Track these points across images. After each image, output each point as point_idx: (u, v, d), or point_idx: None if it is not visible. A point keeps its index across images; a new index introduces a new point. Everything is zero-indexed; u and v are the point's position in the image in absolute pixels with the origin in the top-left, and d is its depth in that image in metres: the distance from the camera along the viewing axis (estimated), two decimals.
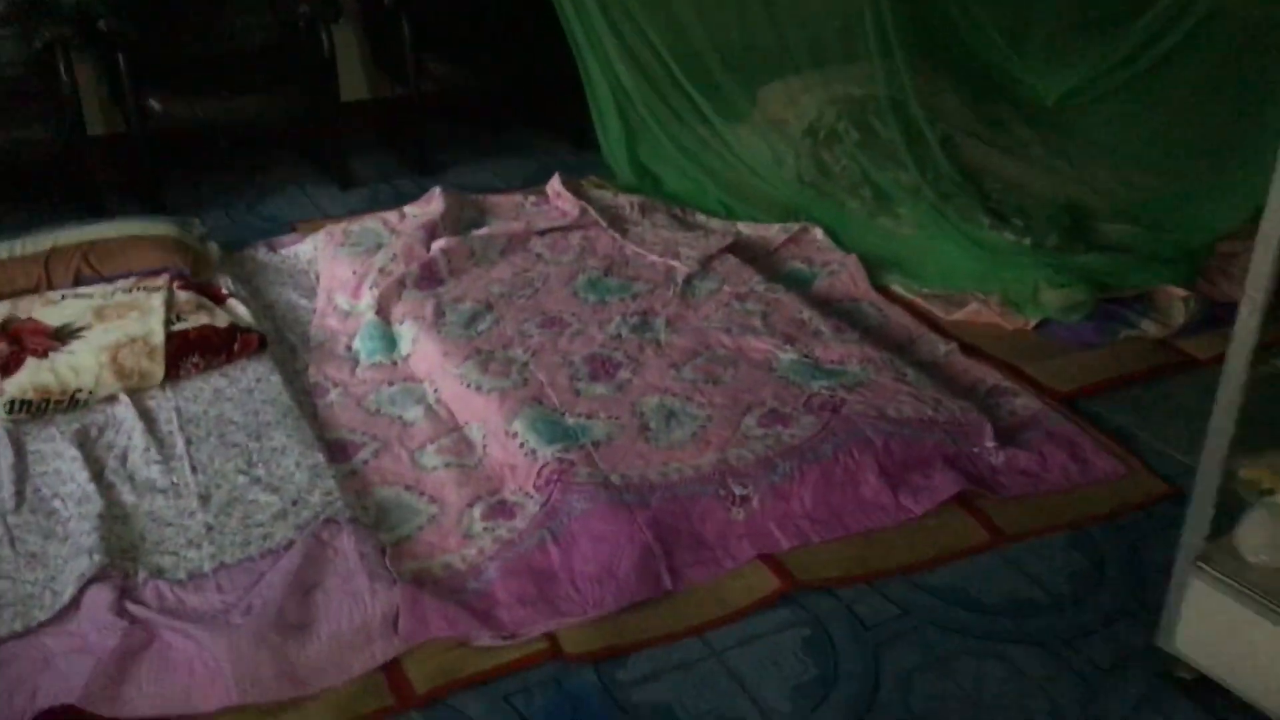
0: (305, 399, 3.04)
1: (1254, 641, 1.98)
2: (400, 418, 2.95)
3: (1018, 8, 4.40)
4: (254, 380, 3.05)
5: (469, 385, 2.97)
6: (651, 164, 4.36)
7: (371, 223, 3.94)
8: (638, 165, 4.36)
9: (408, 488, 2.69)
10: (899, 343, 3.28)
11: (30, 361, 2.95)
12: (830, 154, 4.22)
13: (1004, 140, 4.32)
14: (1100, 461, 2.77)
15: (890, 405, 2.83)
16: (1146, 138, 4.02)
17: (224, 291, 3.42)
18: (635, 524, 2.44)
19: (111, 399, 2.94)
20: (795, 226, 3.92)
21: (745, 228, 3.96)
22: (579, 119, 4.55)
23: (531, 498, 2.60)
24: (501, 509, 2.59)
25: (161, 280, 3.35)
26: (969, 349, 3.26)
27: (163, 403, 2.95)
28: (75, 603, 2.25)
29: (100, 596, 2.24)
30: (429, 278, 3.51)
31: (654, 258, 3.65)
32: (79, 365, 2.95)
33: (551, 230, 3.85)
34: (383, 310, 3.38)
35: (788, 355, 3.08)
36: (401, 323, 3.32)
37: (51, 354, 2.99)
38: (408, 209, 4.03)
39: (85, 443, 2.77)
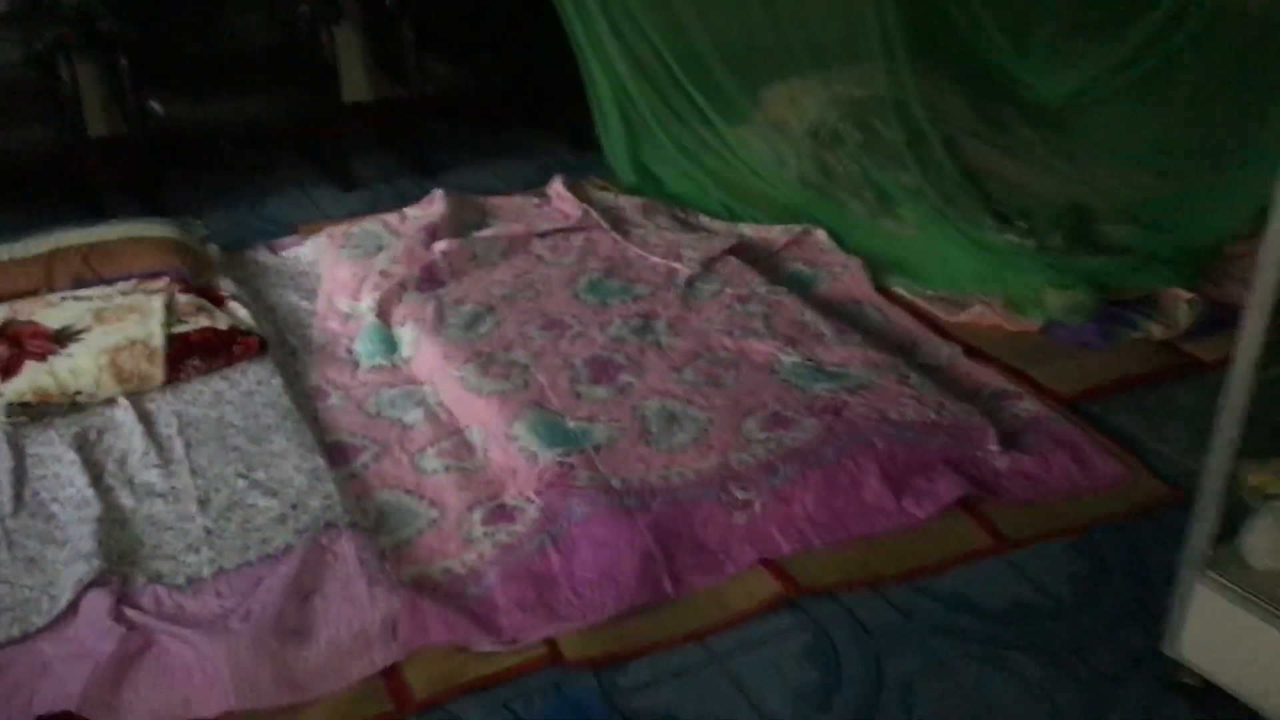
0: (305, 402, 3.02)
1: (1260, 648, 1.96)
2: (400, 421, 2.94)
3: (1020, 9, 4.38)
4: (254, 383, 3.04)
5: (469, 388, 2.96)
6: (653, 165, 4.34)
7: (372, 225, 3.93)
8: (639, 166, 4.35)
9: (408, 491, 2.68)
10: (902, 345, 3.27)
11: (29, 364, 2.94)
12: (832, 155, 4.20)
13: (1007, 141, 4.31)
14: (1104, 465, 2.75)
15: (893, 408, 2.82)
16: (1150, 139, 4.00)
17: (224, 294, 3.41)
18: (636, 529, 2.43)
19: (111, 402, 2.93)
20: (797, 228, 3.91)
21: (747, 229, 3.95)
22: (580, 120, 4.53)
23: (532, 502, 2.58)
24: (502, 513, 2.58)
25: (162, 283, 3.34)
26: (972, 351, 3.24)
27: (162, 406, 2.94)
28: (73, 608, 2.24)
29: (98, 602, 2.23)
30: (430, 280, 3.50)
31: (656, 259, 3.64)
32: (78, 368, 2.94)
33: (553, 232, 3.83)
34: (383, 312, 3.37)
35: (790, 358, 3.06)
36: (402, 325, 3.31)
37: (51, 357, 2.98)
38: (409, 211, 4.02)
39: (84, 446, 2.76)
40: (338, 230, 3.89)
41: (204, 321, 3.14)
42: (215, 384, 3.03)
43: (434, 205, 3.98)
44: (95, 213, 4.06)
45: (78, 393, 2.90)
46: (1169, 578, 2.14)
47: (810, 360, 3.05)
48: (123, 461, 2.71)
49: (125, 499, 2.58)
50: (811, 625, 2.31)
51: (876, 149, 4.12)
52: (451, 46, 4.54)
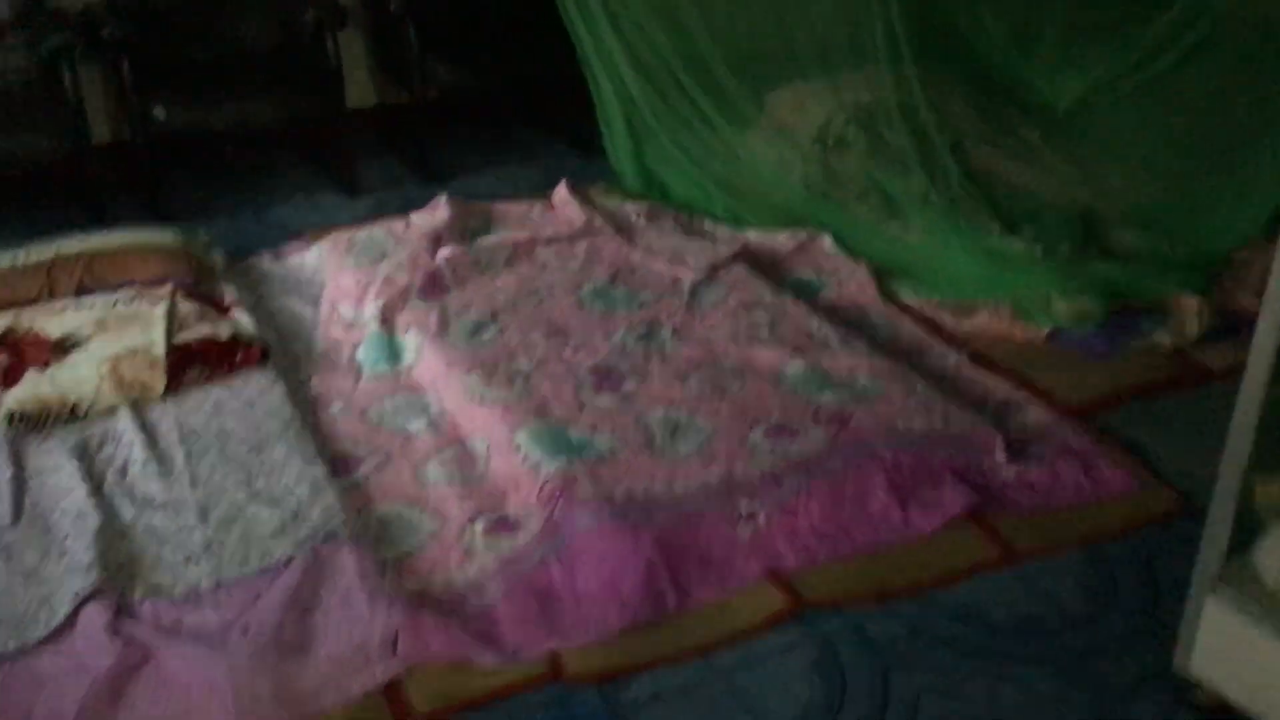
0: (307, 411, 3.00)
1: (1273, 666, 1.93)
2: (403, 430, 2.92)
3: (1026, 13, 4.35)
4: (256, 392, 3.02)
5: (472, 397, 2.94)
6: (658, 170, 4.32)
7: (377, 231, 3.91)
8: (644, 172, 4.32)
9: (410, 502, 2.66)
10: (908, 353, 3.24)
11: (30, 373, 2.93)
12: (839, 160, 4.17)
13: (1014, 145, 4.27)
14: (1113, 476, 2.71)
15: (899, 418, 2.79)
16: (1158, 143, 3.96)
17: (227, 301, 3.40)
18: (639, 542, 2.40)
19: (112, 411, 2.91)
20: (803, 234, 3.88)
21: (753, 235, 3.92)
22: (586, 125, 4.51)
23: (534, 513, 2.56)
24: (504, 525, 2.56)
25: (164, 290, 3.32)
26: (979, 359, 3.21)
27: (163, 415, 2.92)
28: (71, 621, 2.23)
29: (96, 615, 2.22)
30: (434, 287, 3.48)
31: (660, 266, 3.62)
32: (79, 377, 2.92)
33: (557, 238, 3.81)
34: (386, 320, 3.35)
35: (795, 366, 3.04)
36: (405, 333, 3.29)
37: (52, 366, 2.97)
38: (413, 217, 4.00)
39: (84, 456, 2.74)
40: (342, 237, 3.87)
41: (206, 330, 3.12)
42: (217, 393, 3.01)
43: (438, 211, 3.96)
44: (98, 219, 4.05)
45: (78, 402, 2.89)
46: (1180, 591, 2.11)
47: (816, 369, 3.03)
48: (123, 472, 2.70)
49: (125, 510, 2.57)
50: (817, 640, 2.29)
51: (883, 154, 4.09)
52: (456, 51, 4.53)
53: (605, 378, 3.01)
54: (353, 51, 4.69)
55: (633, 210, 4.06)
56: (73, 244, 3.52)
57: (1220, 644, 2.01)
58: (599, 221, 3.90)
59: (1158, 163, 3.91)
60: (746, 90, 4.24)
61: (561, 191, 4.15)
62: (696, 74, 4.16)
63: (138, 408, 2.93)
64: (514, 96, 5.01)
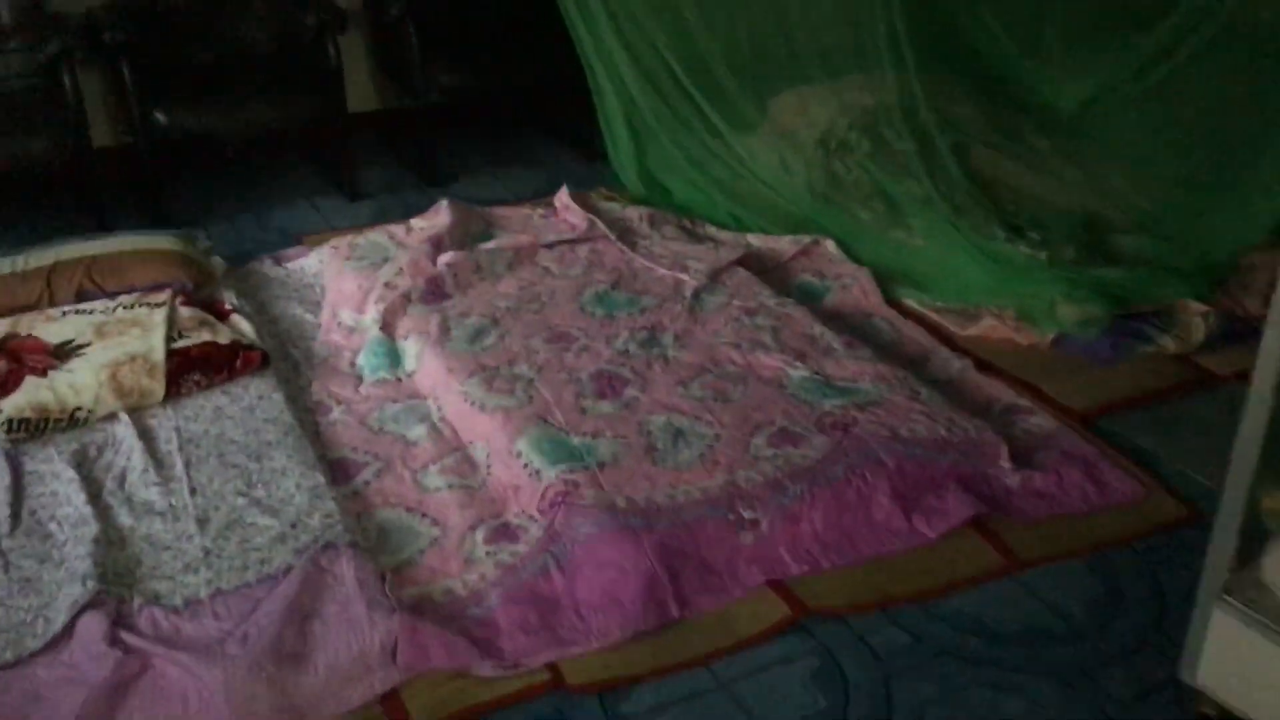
0: (308, 417, 2.99)
1: None
2: (403, 437, 2.91)
3: (1031, 16, 4.32)
4: (256, 398, 3.00)
5: (473, 403, 2.92)
6: (660, 175, 4.30)
7: (378, 236, 3.90)
8: (647, 176, 4.31)
9: (409, 509, 2.64)
10: (912, 359, 3.22)
11: (29, 380, 2.92)
12: (842, 164, 4.15)
13: (1018, 150, 4.25)
14: (1118, 483, 2.70)
15: (903, 425, 2.77)
16: (1164, 148, 3.94)
17: (227, 306, 3.38)
18: (641, 550, 2.39)
19: (111, 418, 2.90)
20: (806, 239, 3.86)
21: (755, 240, 3.90)
22: (588, 129, 4.50)
23: (535, 521, 2.54)
24: (505, 532, 2.54)
25: (164, 295, 3.31)
26: (983, 365, 3.19)
27: (163, 421, 2.90)
28: (68, 631, 2.21)
29: (94, 624, 2.20)
30: (435, 292, 3.46)
31: (662, 271, 3.60)
32: (78, 384, 2.91)
33: (559, 243, 3.79)
34: (387, 325, 3.33)
35: (798, 372, 3.02)
36: (406, 338, 3.28)
37: (51, 372, 2.95)
38: (414, 222, 3.98)
39: (83, 463, 2.73)
40: (343, 242, 3.86)
41: (205, 336, 3.11)
42: (216, 399, 3.00)
43: (439, 216, 3.94)
44: (99, 223, 4.05)
45: (77, 408, 2.87)
46: (1186, 600, 2.09)
47: (819, 375, 3.01)
48: (122, 479, 2.68)
49: (124, 517, 2.55)
50: (820, 649, 2.27)
51: (886, 158, 4.07)
52: (457, 54, 4.52)
53: (607, 384, 2.99)
54: (354, 55, 4.67)
55: (635, 214, 4.05)
56: (72, 249, 3.50)
57: (1227, 655, 1.99)
58: (601, 226, 3.88)
59: (1163, 167, 3.89)
60: (749, 94, 4.23)
61: (563, 196, 4.13)
62: (699, 77, 4.14)
63: (137, 414, 2.91)
64: (516, 100, 5.01)
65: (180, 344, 3.07)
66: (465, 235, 3.84)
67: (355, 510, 2.61)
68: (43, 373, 2.95)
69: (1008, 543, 2.53)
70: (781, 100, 4.33)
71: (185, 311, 3.23)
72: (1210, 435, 2.86)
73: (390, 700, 2.13)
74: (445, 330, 3.26)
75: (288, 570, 2.37)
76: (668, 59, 4.12)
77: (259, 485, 2.66)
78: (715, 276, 3.54)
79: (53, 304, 3.32)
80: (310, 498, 2.59)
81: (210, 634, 2.23)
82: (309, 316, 3.51)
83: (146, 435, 2.84)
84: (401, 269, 3.54)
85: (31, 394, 2.87)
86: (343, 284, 3.59)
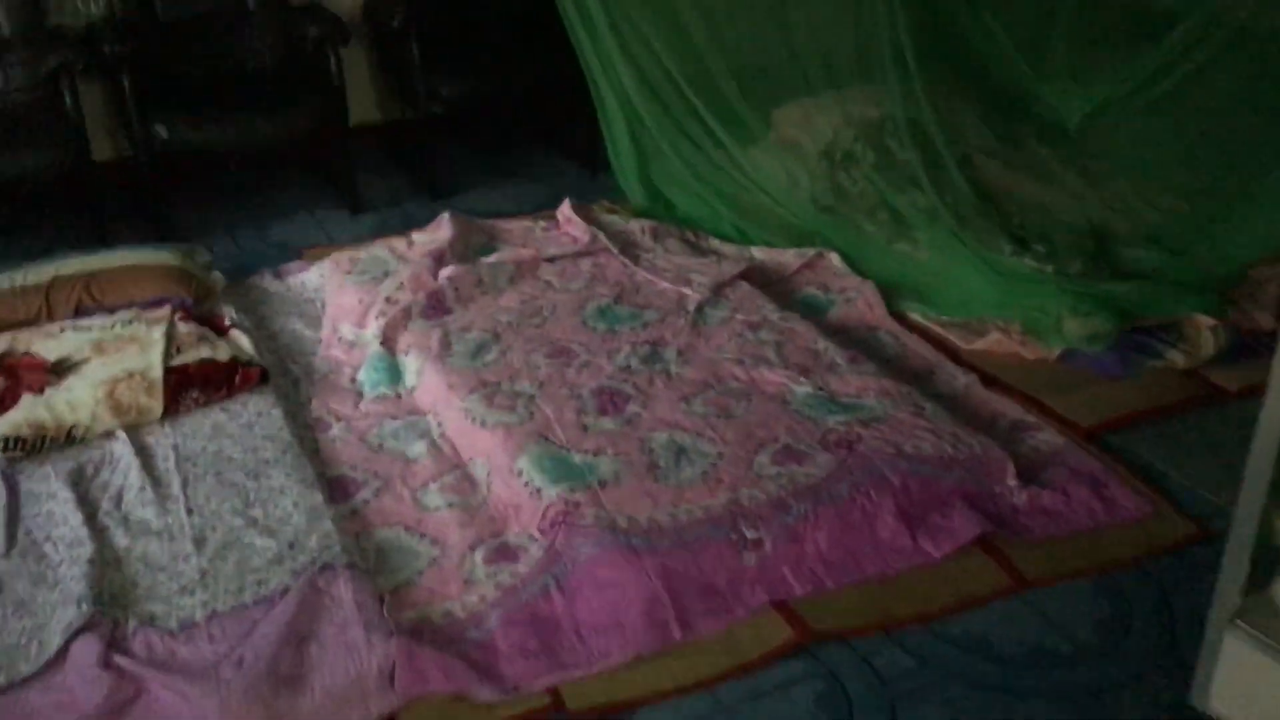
0: (307, 434, 2.96)
1: None
2: (403, 454, 2.88)
3: (1038, 27, 4.30)
4: (254, 415, 2.98)
5: (473, 420, 2.89)
6: (664, 187, 4.28)
7: (379, 250, 3.87)
8: (650, 188, 4.28)
9: (409, 529, 2.61)
10: (917, 374, 3.19)
11: (26, 398, 2.89)
12: (846, 176, 4.12)
13: (1024, 161, 4.22)
14: (1127, 501, 2.66)
15: (908, 442, 2.73)
16: (1172, 159, 3.91)
17: (227, 322, 3.36)
18: (643, 571, 2.35)
19: (109, 435, 2.87)
20: (811, 252, 3.83)
21: (759, 253, 3.87)
22: (591, 141, 4.48)
23: (536, 540, 2.51)
24: (504, 552, 2.51)
25: (163, 311, 3.28)
26: (989, 380, 3.16)
27: (161, 439, 2.88)
28: (62, 654, 2.18)
29: (88, 648, 2.17)
30: (436, 307, 3.44)
31: (665, 284, 3.57)
32: (76, 401, 2.88)
33: (561, 257, 3.77)
34: (388, 340, 3.31)
35: (802, 388, 2.99)
36: (406, 353, 3.25)
37: (48, 389, 2.93)
38: (416, 235, 3.96)
39: (80, 482, 2.70)
40: (343, 256, 3.84)
41: (204, 352, 3.08)
42: (215, 416, 2.97)
43: (441, 230, 3.92)
44: (99, 236, 4.03)
45: (74, 426, 2.85)
46: (1196, 621, 2.05)
47: (823, 391, 2.97)
48: (118, 498, 2.66)
49: (120, 538, 2.52)
50: (824, 673, 2.23)
51: (891, 170, 4.04)
52: (459, 66, 4.49)
53: (609, 400, 2.96)
54: (355, 67, 4.66)
55: (638, 227, 4.02)
56: (72, 264, 3.48)
57: (1240, 681, 1.95)
58: (603, 239, 3.85)
59: (1170, 179, 3.86)
60: (753, 106, 4.21)
61: (565, 208, 4.11)
62: (702, 89, 4.12)
63: (135, 432, 2.89)
64: (518, 112, 4.98)
65: (179, 360, 3.04)
66: (467, 249, 3.82)
67: (354, 530, 2.58)
68: (40, 390, 2.92)
69: (1014, 562, 2.49)
70: (785, 111, 4.30)
71: (184, 327, 3.20)
72: (1220, 452, 2.83)
73: None
74: (446, 345, 3.24)
75: (285, 591, 2.34)
76: (671, 70, 4.10)
77: (257, 504, 2.63)
78: (718, 290, 3.51)
79: (51, 320, 3.30)
80: (308, 517, 2.56)
81: (205, 657, 2.20)
82: (309, 332, 3.49)
83: (144, 453, 2.81)
84: (402, 283, 3.52)
85: (28, 412, 2.84)
86: (343, 298, 3.57)
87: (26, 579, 2.40)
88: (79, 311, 3.31)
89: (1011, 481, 2.67)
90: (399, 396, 3.14)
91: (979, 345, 3.33)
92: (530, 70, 4.59)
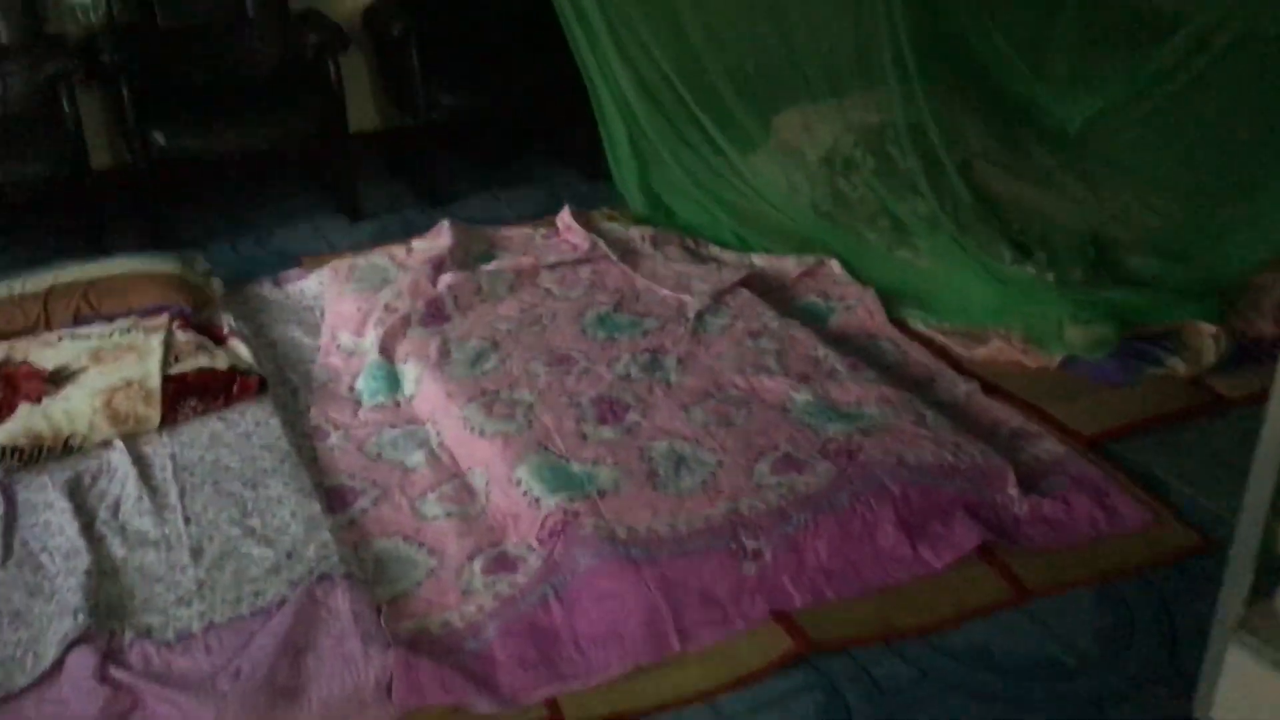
0: (305, 443, 2.95)
1: None
2: (402, 463, 2.87)
3: (1039, 33, 4.28)
4: (253, 424, 2.96)
5: (472, 429, 2.88)
6: (664, 194, 4.27)
7: (378, 258, 3.86)
8: (650, 196, 4.27)
9: (407, 539, 2.60)
10: (918, 382, 3.17)
11: (23, 407, 2.88)
12: (847, 183, 4.11)
13: (1025, 167, 4.20)
14: (1129, 510, 2.65)
15: (909, 451, 2.72)
16: (1173, 166, 3.89)
17: (225, 330, 3.35)
18: (642, 581, 2.34)
19: (106, 445, 2.87)
20: (811, 259, 3.82)
21: (760, 260, 3.86)
22: (591, 148, 4.47)
23: (534, 550, 2.50)
24: (503, 562, 2.50)
25: (162, 319, 3.28)
26: (990, 388, 3.14)
27: (158, 448, 2.87)
28: (58, 666, 2.17)
29: (83, 660, 2.16)
30: (435, 315, 3.43)
31: (665, 292, 3.56)
32: (73, 411, 2.87)
33: (561, 264, 3.76)
34: (386, 349, 3.30)
35: (802, 396, 2.97)
36: (405, 362, 3.24)
37: (45, 399, 2.92)
38: (415, 243, 3.95)
39: (77, 491, 2.69)
40: (343, 264, 3.83)
41: (202, 361, 3.07)
42: (213, 425, 2.96)
43: (440, 237, 3.91)
44: (98, 245, 4.02)
45: (71, 436, 2.84)
46: (1198, 632, 2.04)
47: (823, 399, 2.96)
48: (115, 508, 2.65)
49: (116, 548, 2.51)
50: (824, 684, 2.22)
51: (891, 176, 4.03)
52: (459, 74, 4.49)
53: (608, 408, 2.95)
54: (355, 74, 4.65)
55: (638, 234, 4.01)
56: (70, 272, 3.48)
57: (1242, 693, 1.93)
58: (603, 246, 3.84)
59: (1172, 186, 3.84)
60: (752, 112, 4.18)
61: (565, 216, 4.10)
62: (702, 95, 4.10)
63: (132, 441, 2.88)
64: (518, 120, 4.97)
65: (177, 369, 3.03)
66: (466, 256, 3.81)
67: (351, 540, 2.57)
68: (37, 400, 2.92)
69: (1016, 572, 2.47)
70: (785, 118, 4.29)
71: (182, 336, 3.20)
72: (1222, 460, 2.82)
73: None
74: (445, 353, 3.23)
75: (282, 602, 2.33)
76: (671, 77, 4.08)
77: (254, 514, 2.62)
78: (719, 298, 3.50)
79: (49, 328, 3.30)
80: (306, 527, 2.55)
81: (202, 669, 2.19)
82: (308, 340, 3.48)
83: (141, 463, 2.80)
84: (401, 291, 3.51)
85: (26, 421, 2.84)
86: (342, 306, 3.56)
87: (23, 590, 2.39)
88: (78, 319, 3.32)
89: (1012, 490, 2.65)
90: (397, 405, 3.13)
91: (980, 353, 3.31)
92: (530, 78, 4.58)
